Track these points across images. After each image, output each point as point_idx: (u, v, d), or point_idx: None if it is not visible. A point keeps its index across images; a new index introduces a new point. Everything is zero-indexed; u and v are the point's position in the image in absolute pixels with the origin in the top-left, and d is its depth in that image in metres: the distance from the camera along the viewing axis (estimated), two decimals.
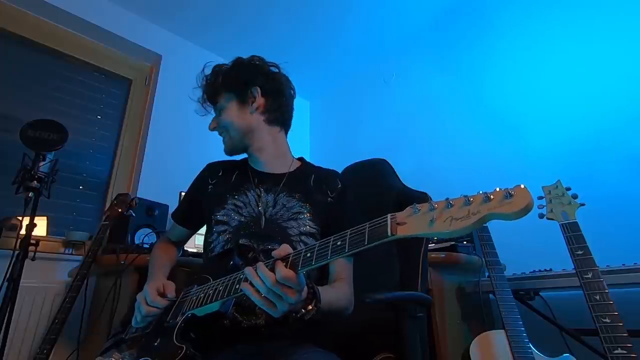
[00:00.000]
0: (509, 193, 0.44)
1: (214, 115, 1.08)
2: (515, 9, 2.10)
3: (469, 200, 0.47)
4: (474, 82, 2.20)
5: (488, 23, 2.21)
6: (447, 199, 0.49)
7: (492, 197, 0.45)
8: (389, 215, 0.53)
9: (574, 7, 1.87)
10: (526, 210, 0.42)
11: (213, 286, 0.72)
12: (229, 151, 1.05)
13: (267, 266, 0.63)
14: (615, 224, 1.50)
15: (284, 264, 0.61)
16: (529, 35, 2.01)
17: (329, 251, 0.57)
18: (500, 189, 0.46)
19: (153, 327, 0.78)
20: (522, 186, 0.44)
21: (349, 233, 0.57)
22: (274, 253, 0.64)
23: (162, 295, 0.82)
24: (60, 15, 2.11)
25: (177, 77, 2.44)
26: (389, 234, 0.51)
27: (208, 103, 1.08)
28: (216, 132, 1.06)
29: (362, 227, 0.56)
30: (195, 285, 0.80)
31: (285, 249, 0.64)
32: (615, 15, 1.72)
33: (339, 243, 0.57)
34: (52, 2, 2.05)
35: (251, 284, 0.62)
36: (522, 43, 2.03)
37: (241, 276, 0.68)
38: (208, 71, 1.07)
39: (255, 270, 0.62)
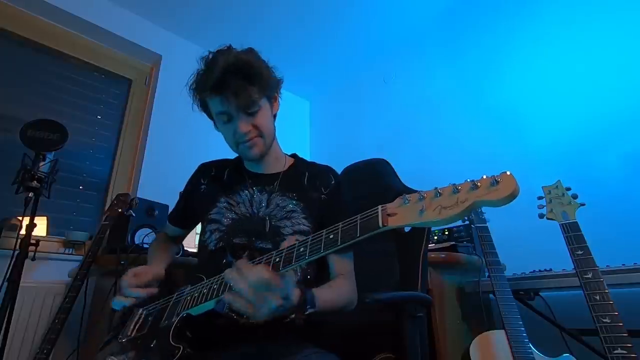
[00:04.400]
0: (495, 180, 0.45)
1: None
2: (517, 8, 2.10)
3: (456, 188, 0.48)
4: (475, 82, 2.20)
5: (489, 22, 2.21)
6: (435, 188, 0.50)
7: (479, 184, 0.47)
8: (379, 207, 0.54)
9: (574, 8, 1.87)
10: (512, 196, 0.44)
11: (208, 285, 0.72)
12: (260, 157, 0.95)
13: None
14: (615, 224, 1.50)
15: (277, 259, 0.61)
16: (530, 35, 2.01)
17: (322, 245, 0.58)
18: (486, 176, 0.47)
19: (149, 329, 0.78)
20: (508, 173, 0.45)
21: (340, 226, 0.57)
22: (283, 244, 0.65)
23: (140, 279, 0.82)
24: (60, 15, 2.11)
25: (177, 77, 2.42)
26: (380, 225, 0.52)
27: (232, 99, 0.84)
28: (215, 131, 0.97)
29: (353, 219, 0.56)
30: (189, 285, 0.79)
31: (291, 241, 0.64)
32: (615, 16, 1.72)
33: (331, 236, 0.58)
34: (52, 2, 2.04)
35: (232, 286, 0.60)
36: (524, 43, 2.02)
37: None
38: (232, 59, 0.84)
39: (237, 270, 0.60)
